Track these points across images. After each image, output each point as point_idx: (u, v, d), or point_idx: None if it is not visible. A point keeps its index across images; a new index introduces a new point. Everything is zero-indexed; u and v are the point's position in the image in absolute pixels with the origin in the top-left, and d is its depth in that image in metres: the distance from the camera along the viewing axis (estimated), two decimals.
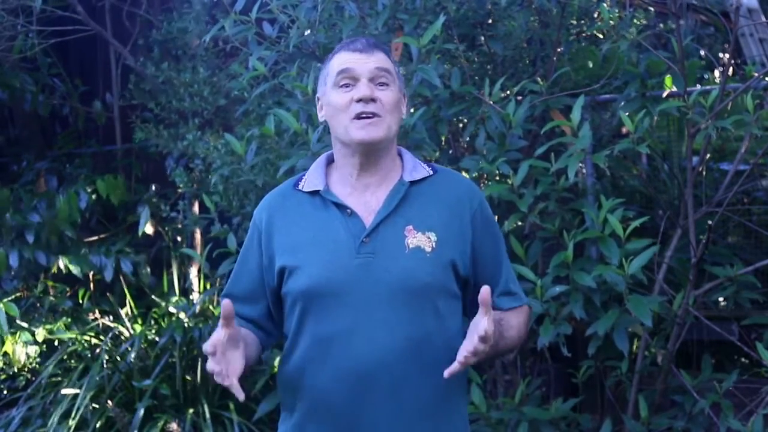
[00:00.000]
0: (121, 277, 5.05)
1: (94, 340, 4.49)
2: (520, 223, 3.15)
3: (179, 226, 5.24)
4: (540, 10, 3.44)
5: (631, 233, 2.89)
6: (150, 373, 4.02)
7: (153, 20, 5.49)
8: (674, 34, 3.18)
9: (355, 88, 1.88)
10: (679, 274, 3.60)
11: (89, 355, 4.32)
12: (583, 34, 3.63)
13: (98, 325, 4.66)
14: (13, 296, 5.00)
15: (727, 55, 5.00)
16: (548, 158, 3.07)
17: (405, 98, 2.00)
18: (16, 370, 4.67)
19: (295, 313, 1.92)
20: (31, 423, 4.03)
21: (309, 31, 3.39)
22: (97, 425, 3.86)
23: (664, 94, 3.25)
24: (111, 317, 4.76)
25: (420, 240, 1.89)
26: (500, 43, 3.42)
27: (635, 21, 3.54)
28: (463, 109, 3.17)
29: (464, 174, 3.21)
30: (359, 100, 1.86)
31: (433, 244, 1.89)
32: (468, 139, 3.33)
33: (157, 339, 4.24)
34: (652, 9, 3.84)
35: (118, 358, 4.20)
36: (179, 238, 5.38)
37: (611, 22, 3.23)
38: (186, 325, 4.21)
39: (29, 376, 4.66)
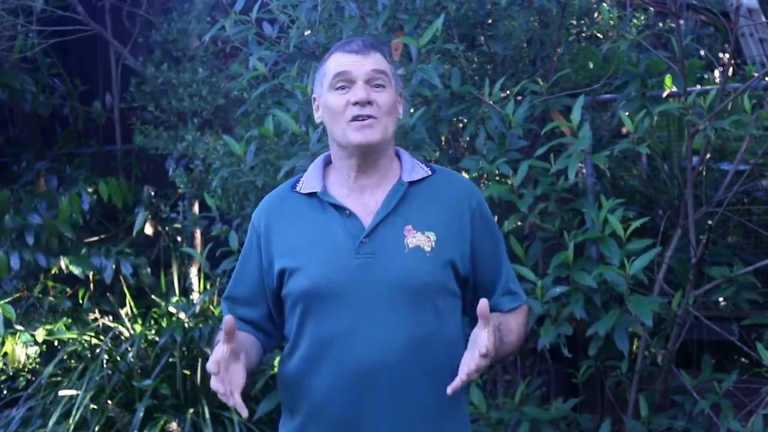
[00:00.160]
0: (121, 278, 5.05)
1: (94, 340, 4.49)
2: (519, 223, 3.15)
3: (179, 226, 5.24)
4: (540, 10, 3.44)
5: (631, 233, 2.89)
6: (150, 373, 4.02)
7: (153, 20, 5.50)
8: (674, 34, 3.18)
9: (351, 91, 1.88)
10: (679, 274, 3.60)
11: (89, 356, 4.32)
12: (583, 34, 3.63)
13: (98, 325, 4.66)
14: (12, 297, 5.00)
15: (727, 55, 5.00)
16: (548, 158, 3.06)
17: (402, 98, 1.99)
18: (18, 369, 4.67)
19: (295, 314, 1.92)
20: (31, 423, 4.03)
21: (309, 32, 3.39)
22: (97, 425, 3.86)
23: (664, 94, 3.25)
24: (111, 317, 4.76)
25: (419, 239, 1.89)
26: (500, 43, 3.42)
27: (635, 21, 3.54)
28: (463, 109, 3.17)
29: (464, 174, 3.21)
30: (355, 103, 1.86)
31: (433, 243, 1.89)
32: (468, 139, 3.33)
33: (157, 339, 4.24)
34: (651, 9, 3.83)
35: (118, 358, 4.20)
36: (179, 239, 5.38)
37: (611, 22, 3.22)
38: (186, 325, 4.21)
39: (29, 376, 4.66)
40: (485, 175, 3.25)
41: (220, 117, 5.00)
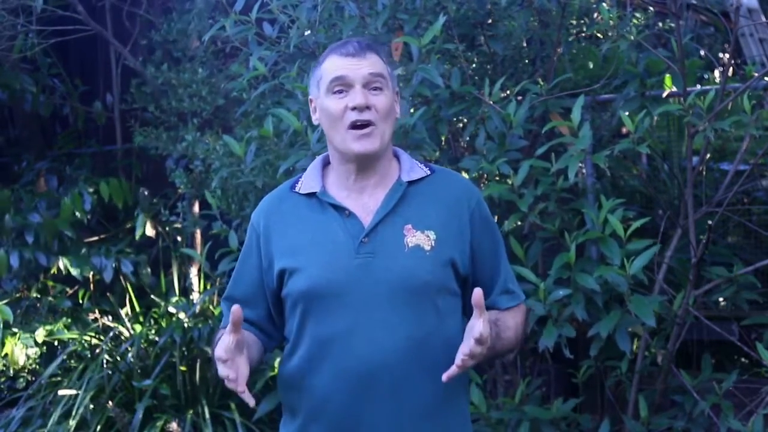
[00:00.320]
0: (121, 277, 5.05)
1: (94, 341, 4.49)
2: (519, 223, 3.15)
3: (179, 226, 5.24)
4: (540, 10, 3.44)
5: (631, 233, 2.89)
6: (150, 373, 4.02)
7: (153, 20, 5.49)
8: (674, 34, 3.18)
9: (348, 95, 1.87)
10: (679, 274, 3.60)
11: (89, 356, 4.32)
12: (583, 34, 3.62)
13: (98, 325, 4.66)
14: (12, 297, 5.00)
15: (727, 55, 5.00)
16: (548, 158, 3.06)
17: (399, 97, 1.99)
18: (18, 370, 4.67)
19: (295, 314, 1.93)
20: (31, 423, 4.03)
21: (309, 32, 3.39)
22: (97, 425, 3.86)
23: (664, 94, 3.25)
24: (111, 317, 4.76)
25: (419, 239, 1.89)
26: (500, 43, 3.42)
27: (635, 21, 3.54)
28: (463, 109, 3.17)
29: (464, 174, 3.21)
30: (353, 108, 1.86)
31: (432, 242, 1.89)
32: (468, 139, 3.33)
33: (157, 339, 4.24)
34: (651, 9, 3.83)
35: (118, 358, 4.20)
36: (179, 239, 5.38)
37: (611, 22, 3.22)
38: (186, 325, 4.21)
39: (29, 376, 4.66)
40: (485, 175, 3.25)
41: (219, 117, 5.00)
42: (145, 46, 5.63)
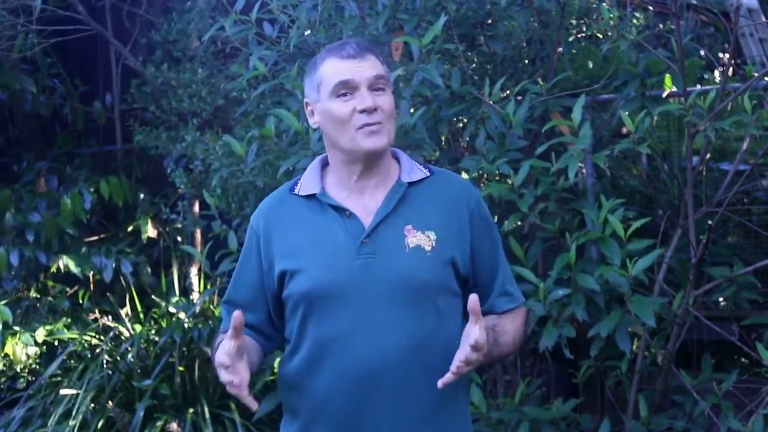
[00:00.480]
0: (121, 277, 5.05)
1: (94, 341, 4.49)
2: (519, 223, 3.15)
3: (179, 226, 5.24)
4: (540, 10, 3.44)
5: (631, 233, 2.89)
6: (150, 373, 4.02)
7: (153, 20, 5.49)
8: (674, 34, 3.18)
9: (355, 98, 1.87)
10: (679, 274, 3.60)
11: (89, 356, 4.32)
12: (583, 34, 3.62)
13: (98, 325, 4.66)
14: (12, 297, 5.00)
15: (727, 55, 5.00)
16: (548, 158, 3.06)
17: (394, 95, 2.00)
18: (18, 370, 4.67)
19: (296, 316, 1.92)
20: (32, 423, 4.03)
21: (309, 32, 3.39)
22: (98, 425, 3.86)
23: (664, 94, 3.25)
24: (111, 317, 4.76)
25: (420, 239, 1.89)
26: (500, 43, 3.42)
27: (635, 21, 3.54)
28: (463, 109, 3.16)
29: (464, 174, 3.21)
30: (362, 111, 1.86)
31: (433, 243, 1.89)
32: (468, 139, 3.33)
33: (157, 339, 4.24)
34: (651, 8, 3.83)
35: (118, 358, 4.20)
36: (179, 239, 5.38)
37: (611, 22, 3.22)
38: (186, 325, 4.21)
39: (29, 376, 4.66)
40: (485, 175, 3.25)
41: (219, 117, 5.00)
42: (145, 46, 5.63)
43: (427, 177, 1.97)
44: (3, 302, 4.73)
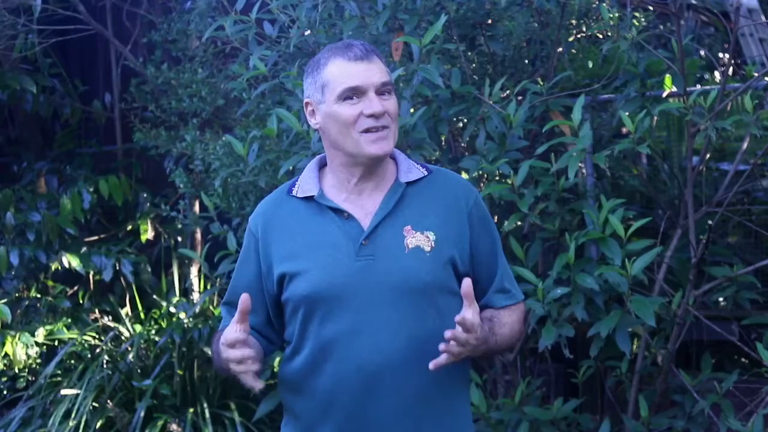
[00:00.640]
0: (121, 277, 5.05)
1: (94, 341, 4.49)
2: (519, 223, 3.15)
3: (179, 226, 5.23)
4: (540, 10, 3.43)
5: (631, 233, 2.89)
6: (150, 373, 4.02)
7: (154, 20, 5.49)
8: (674, 35, 3.18)
9: (362, 102, 1.86)
10: (679, 274, 3.60)
11: (89, 356, 4.32)
12: (583, 34, 3.62)
13: (98, 325, 4.66)
14: (13, 296, 5.00)
15: (727, 55, 5.00)
16: (548, 158, 3.06)
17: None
18: (18, 370, 4.67)
19: (297, 318, 1.92)
20: (31, 423, 4.03)
21: (309, 31, 3.38)
22: (98, 425, 3.86)
23: (664, 94, 3.25)
24: (111, 317, 4.76)
25: (419, 240, 1.89)
26: (500, 43, 3.41)
27: (635, 22, 3.54)
28: (463, 109, 3.16)
29: (464, 174, 3.21)
30: (370, 116, 1.85)
31: (432, 243, 1.89)
32: (468, 139, 3.33)
33: (157, 339, 4.24)
34: (651, 8, 3.83)
35: (118, 358, 4.20)
36: (179, 239, 5.38)
37: (611, 22, 3.22)
38: (186, 325, 4.21)
39: (29, 376, 4.66)
40: (485, 175, 3.25)
41: (219, 117, 5.00)
42: (146, 46, 5.62)
43: (425, 176, 1.97)
44: (2, 301, 4.73)
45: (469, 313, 1.73)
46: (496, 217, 3.29)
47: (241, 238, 3.17)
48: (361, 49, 1.88)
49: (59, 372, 4.29)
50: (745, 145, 3.36)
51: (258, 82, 3.62)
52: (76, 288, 5.32)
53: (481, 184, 3.25)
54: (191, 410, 3.86)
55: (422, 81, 3.07)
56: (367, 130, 1.86)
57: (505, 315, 1.99)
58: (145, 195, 5.53)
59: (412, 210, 1.92)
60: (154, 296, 4.96)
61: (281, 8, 3.42)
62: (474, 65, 3.53)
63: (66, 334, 4.59)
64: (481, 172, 3.18)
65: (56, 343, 4.66)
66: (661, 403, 3.29)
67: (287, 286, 1.92)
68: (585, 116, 3.19)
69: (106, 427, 3.90)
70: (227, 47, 4.56)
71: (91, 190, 5.29)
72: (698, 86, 3.53)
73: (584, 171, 3.45)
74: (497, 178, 3.15)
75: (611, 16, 3.22)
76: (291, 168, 3.13)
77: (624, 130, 3.49)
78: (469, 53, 3.51)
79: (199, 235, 5.26)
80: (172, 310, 4.60)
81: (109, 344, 4.26)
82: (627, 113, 3.12)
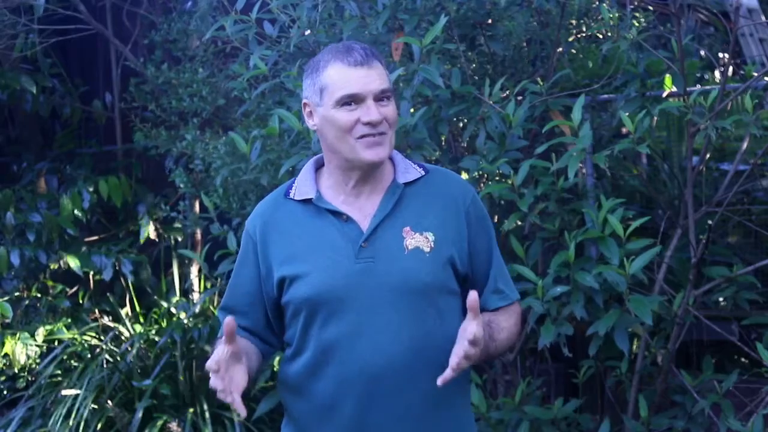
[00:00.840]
0: (121, 277, 5.05)
1: (94, 341, 4.49)
2: (519, 223, 3.15)
3: (179, 226, 5.23)
4: (540, 10, 3.44)
5: (631, 233, 2.89)
6: (150, 373, 4.02)
7: (154, 20, 5.49)
8: (674, 35, 3.18)
9: (360, 109, 1.84)
10: (679, 274, 3.60)
11: (89, 356, 4.32)
12: (583, 34, 3.62)
13: (98, 325, 4.66)
14: (13, 296, 5.00)
15: (727, 55, 5.00)
16: (548, 158, 3.06)
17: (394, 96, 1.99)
18: (16, 370, 4.67)
19: (297, 321, 1.92)
20: (31, 423, 4.03)
21: (309, 31, 3.39)
22: (98, 425, 3.86)
23: (664, 94, 3.25)
24: (111, 317, 4.76)
25: (418, 240, 1.89)
26: (500, 43, 3.41)
27: (635, 22, 3.54)
28: (463, 109, 3.17)
29: (464, 174, 3.21)
30: (368, 123, 1.84)
31: (432, 243, 1.89)
32: (468, 139, 3.33)
33: (157, 339, 4.24)
34: (651, 8, 3.83)
35: (118, 358, 4.20)
36: (179, 239, 5.38)
37: (611, 22, 3.22)
38: (186, 325, 4.21)
39: (29, 376, 4.66)
40: (485, 175, 3.25)
41: (220, 117, 5.00)
42: (146, 46, 5.62)
43: (423, 176, 1.96)
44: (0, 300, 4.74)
45: (474, 326, 1.72)
46: (496, 217, 3.29)
47: (241, 238, 3.16)
48: (361, 53, 1.86)
49: (59, 372, 4.29)
50: (745, 145, 3.36)
51: (258, 82, 3.62)
52: (76, 288, 5.32)
53: (481, 184, 3.25)
54: (191, 410, 3.86)
55: (422, 81, 3.07)
56: (363, 137, 1.85)
57: (503, 319, 1.98)
58: (147, 195, 5.53)
59: (411, 211, 1.92)
60: (154, 296, 4.96)
61: (281, 8, 3.42)
62: (474, 65, 3.53)
63: (66, 334, 4.59)
64: (481, 172, 3.18)
65: (56, 343, 4.66)
66: (661, 403, 3.29)
67: (287, 289, 1.91)
68: (585, 116, 3.20)
69: (106, 427, 3.90)
70: (227, 47, 4.56)
71: (91, 190, 5.29)
72: (698, 86, 3.53)
73: (584, 171, 3.45)
74: (497, 177, 3.16)
75: (611, 16, 3.22)
76: (291, 168, 3.13)
77: (624, 130, 3.49)
78: (469, 53, 3.51)
79: (199, 235, 5.26)
80: (172, 310, 4.60)
81: (109, 344, 4.26)
82: (627, 113, 3.13)
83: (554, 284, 2.98)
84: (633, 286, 2.97)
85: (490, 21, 3.43)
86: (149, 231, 5.32)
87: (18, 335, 4.64)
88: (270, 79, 3.44)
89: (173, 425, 3.75)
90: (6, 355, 4.64)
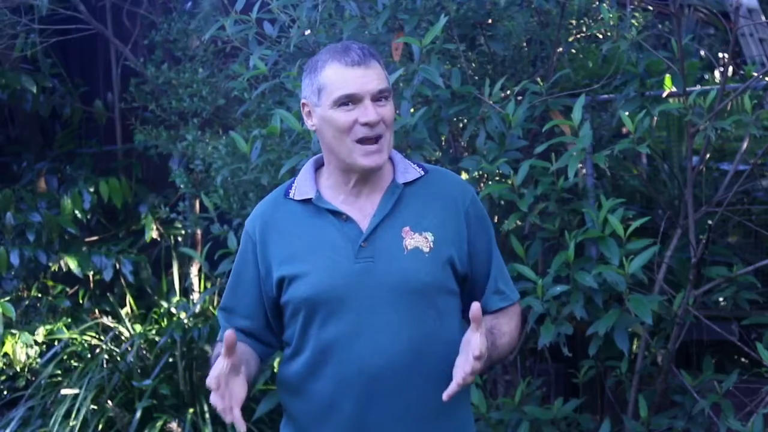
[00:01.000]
0: (121, 277, 5.05)
1: (94, 341, 4.49)
2: (519, 223, 3.15)
3: (179, 226, 5.24)
4: (539, 10, 3.44)
5: (631, 233, 2.89)
6: (150, 373, 4.02)
7: (154, 20, 5.49)
8: (674, 35, 3.18)
9: (357, 109, 1.84)
10: (679, 274, 3.60)
11: (89, 356, 4.32)
12: (583, 34, 3.62)
13: (97, 323, 4.66)
14: (13, 296, 5.00)
15: (727, 55, 5.00)
16: (548, 158, 3.06)
17: (393, 95, 1.99)
18: (18, 369, 4.68)
19: (296, 321, 1.92)
20: (31, 423, 4.03)
21: (309, 31, 3.39)
22: (98, 425, 3.86)
23: (664, 94, 3.25)
24: (111, 317, 4.76)
25: (418, 240, 1.89)
26: (500, 43, 3.41)
27: (634, 22, 3.54)
28: (463, 109, 3.17)
29: (464, 174, 3.21)
30: (365, 124, 1.84)
31: (431, 243, 1.89)
32: (468, 139, 3.33)
33: (157, 339, 4.24)
34: (651, 8, 3.83)
35: (118, 358, 4.20)
36: (180, 239, 5.38)
37: (611, 22, 3.22)
38: (186, 325, 4.21)
39: (29, 376, 4.67)
40: (485, 175, 3.25)
41: (220, 117, 5.00)
42: (146, 46, 5.63)
43: (422, 176, 1.96)
44: (2, 301, 4.74)
45: (478, 340, 1.71)
46: (495, 217, 3.29)
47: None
48: (359, 53, 1.85)
49: (59, 372, 4.29)
50: (744, 145, 3.36)
51: (258, 82, 3.62)
52: (76, 288, 5.32)
53: (481, 184, 3.25)
54: (191, 410, 3.86)
55: (422, 81, 3.07)
56: (361, 140, 1.85)
57: (504, 323, 1.98)
58: (147, 196, 5.53)
59: (410, 211, 1.91)
60: (154, 296, 4.96)
61: (281, 8, 3.42)
62: (474, 65, 3.53)
63: (66, 334, 4.59)
64: (481, 172, 3.18)
65: (56, 343, 4.66)
66: (661, 403, 3.29)
67: (286, 288, 1.91)
68: (585, 116, 3.20)
69: (106, 427, 3.90)
70: (228, 47, 4.55)
71: (92, 190, 5.29)
72: (698, 86, 3.53)
73: (584, 171, 3.45)
74: (497, 177, 3.16)
75: (611, 16, 3.22)
76: (293, 167, 3.13)
77: (624, 130, 3.49)
78: (469, 53, 3.51)
79: (199, 235, 5.26)
80: (173, 310, 4.60)
81: (109, 344, 4.26)
82: (627, 113, 3.12)
83: (554, 284, 2.98)
84: (633, 286, 2.97)
85: (490, 21, 3.43)
86: (153, 231, 5.32)
87: (18, 335, 4.64)
88: (270, 79, 3.44)
89: (173, 425, 3.75)
90: (6, 354, 4.64)
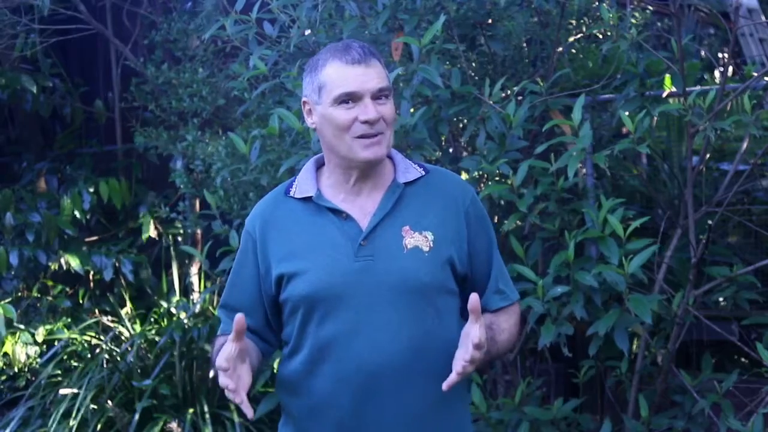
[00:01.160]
0: (121, 277, 5.05)
1: (94, 341, 4.50)
2: (519, 223, 3.15)
3: (179, 226, 5.24)
4: (539, 10, 3.44)
5: (631, 233, 2.89)
6: (150, 373, 4.02)
7: (154, 20, 5.49)
8: (674, 35, 3.18)
9: (358, 107, 1.85)
10: (679, 274, 3.60)
11: (89, 356, 4.32)
12: (583, 35, 3.63)
13: (98, 324, 4.66)
14: (13, 296, 5.00)
15: (727, 55, 5.00)
16: (548, 158, 3.07)
17: (393, 95, 1.99)
18: (16, 370, 4.68)
19: (295, 319, 1.92)
20: (31, 423, 4.03)
21: (309, 31, 3.39)
22: (98, 425, 3.86)
23: (664, 94, 3.25)
24: (111, 317, 4.76)
25: (417, 240, 1.89)
26: (500, 43, 3.42)
27: (634, 22, 3.54)
28: (463, 109, 3.17)
29: (464, 174, 3.21)
30: (365, 122, 1.84)
31: (431, 243, 1.89)
32: (468, 139, 3.33)
33: (157, 339, 4.24)
34: (651, 8, 3.83)
35: (118, 358, 4.20)
36: (179, 238, 5.38)
37: (611, 22, 3.22)
38: (186, 325, 4.21)
39: (29, 376, 4.67)
40: (485, 175, 3.25)
41: (220, 117, 5.00)
42: (146, 46, 5.63)
43: (423, 176, 1.97)
44: (5, 301, 4.74)
45: (477, 329, 1.72)
46: (495, 217, 3.29)
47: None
48: (359, 51, 1.86)
49: (59, 372, 4.29)
50: (744, 145, 3.36)
51: (258, 82, 3.62)
52: (76, 288, 5.32)
53: (481, 184, 3.25)
54: (191, 410, 3.86)
55: (422, 81, 3.07)
56: (361, 136, 1.85)
57: (503, 320, 1.98)
58: (147, 196, 5.53)
59: (411, 210, 1.92)
60: (153, 296, 4.96)
61: (281, 8, 3.42)
62: (474, 65, 3.53)
63: (66, 334, 4.59)
64: (481, 172, 3.18)
65: (56, 342, 4.66)
66: (661, 403, 3.29)
67: (285, 286, 1.91)
68: (585, 116, 3.20)
69: (106, 427, 3.90)
70: (227, 47, 4.55)
71: (92, 190, 5.29)
72: (698, 86, 3.53)
73: (584, 171, 3.45)
74: (497, 178, 3.16)
75: (611, 16, 3.22)
76: (293, 166, 3.13)
77: (624, 130, 3.49)
78: (469, 53, 3.52)
79: (199, 235, 5.26)
80: (172, 310, 4.60)
81: (109, 344, 4.26)
82: (627, 113, 3.12)
83: (554, 284, 2.98)
84: (633, 286, 2.97)
85: (490, 21, 3.43)
86: (150, 230, 5.32)
87: (18, 335, 4.64)
88: (270, 79, 3.44)
89: (173, 425, 3.75)
90: (6, 354, 4.64)
